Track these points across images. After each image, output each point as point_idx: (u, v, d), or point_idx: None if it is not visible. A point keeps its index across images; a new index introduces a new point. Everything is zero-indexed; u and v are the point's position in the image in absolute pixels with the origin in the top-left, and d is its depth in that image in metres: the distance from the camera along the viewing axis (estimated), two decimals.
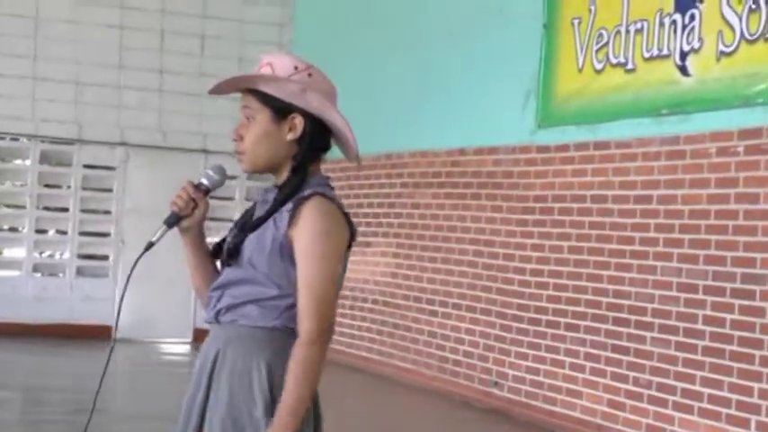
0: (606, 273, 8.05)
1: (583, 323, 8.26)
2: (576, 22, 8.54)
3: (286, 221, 2.81)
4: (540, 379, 8.70)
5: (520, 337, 8.97)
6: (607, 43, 8.21)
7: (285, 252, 2.82)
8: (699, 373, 7.16)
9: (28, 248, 12.71)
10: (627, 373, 7.80)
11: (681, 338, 7.33)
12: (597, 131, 8.30)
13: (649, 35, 7.80)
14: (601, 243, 8.14)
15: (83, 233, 12.89)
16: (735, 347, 6.90)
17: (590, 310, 8.19)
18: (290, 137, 2.88)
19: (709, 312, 7.13)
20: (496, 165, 9.46)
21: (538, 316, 8.77)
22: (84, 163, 12.82)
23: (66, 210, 12.87)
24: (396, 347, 10.66)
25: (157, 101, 12.95)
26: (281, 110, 2.88)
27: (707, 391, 7.09)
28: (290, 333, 2.82)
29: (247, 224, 2.92)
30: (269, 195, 2.94)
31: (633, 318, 7.76)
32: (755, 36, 6.91)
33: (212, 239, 3.07)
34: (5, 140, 12.74)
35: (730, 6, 7.10)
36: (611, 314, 7.98)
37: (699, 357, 7.17)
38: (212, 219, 12.56)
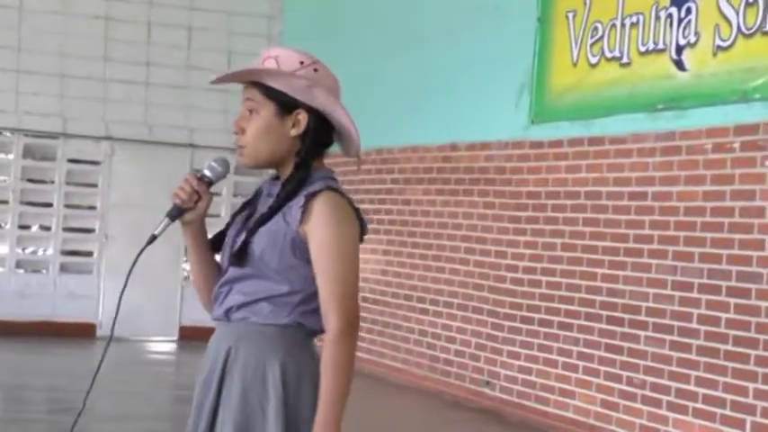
0: (600, 270, 8.07)
1: (576, 322, 8.27)
2: (570, 15, 8.55)
3: (298, 217, 2.83)
4: (533, 378, 8.72)
5: (512, 336, 8.99)
6: (602, 37, 8.22)
7: (297, 248, 2.84)
8: (693, 373, 7.18)
9: (11, 244, 12.68)
10: (620, 372, 7.82)
11: (675, 337, 7.35)
12: (591, 127, 8.31)
13: (645, 29, 7.82)
14: (594, 240, 8.15)
15: (67, 229, 12.86)
16: (730, 347, 6.92)
17: (583, 309, 8.20)
18: (293, 132, 2.91)
19: (703, 311, 7.15)
20: (489, 160, 9.47)
21: (530, 314, 8.79)
22: (68, 157, 12.79)
23: (49, 205, 12.84)
24: (386, 346, 10.67)
25: (144, 94, 12.93)
26: (285, 105, 2.89)
27: (701, 391, 7.11)
28: (301, 330, 2.87)
29: (251, 220, 2.94)
30: (272, 189, 2.96)
31: (627, 316, 7.78)
32: (753, 30, 6.93)
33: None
34: None
35: (727, 0, 7.12)
36: (604, 313, 8.00)
37: (693, 357, 7.19)
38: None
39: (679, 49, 7.51)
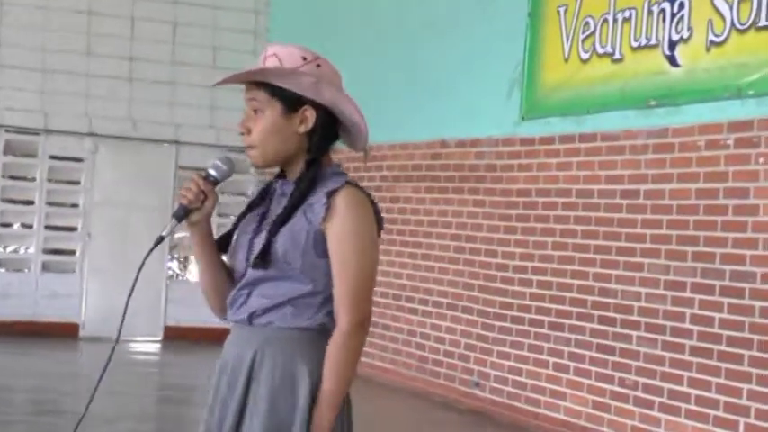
0: (592, 270, 8.08)
1: (567, 322, 8.28)
2: (561, 10, 8.56)
3: (321, 215, 2.86)
4: (523, 379, 8.72)
5: (502, 336, 9.00)
6: (594, 32, 8.23)
7: (319, 245, 2.87)
8: (686, 374, 7.20)
9: None
10: (612, 373, 7.83)
11: (668, 338, 7.37)
12: (583, 123, 8.32)
13: (637, 24, 7.83)
14: (586, 239, 8.16)
15: (49, 227, 12.82)
16: (723, 347, 6.94)
17: (575, 309, 8.21)
18: (301, 129, 2.92)
19: (696, 311, 7.16)
20: (479, 158, 9.47)
21: (521, 314, 8.80)
22: (50, 154, 12.74)
23: (31, 203, 12.80)
24: (374, 346, 10.66)
25: (128, 90, 12.90)
26: (291, 103, 2.90)
27: (694, 392, 7.13)
28: (324, 331, 2.89)
29: (266, 220, 2.95)
30: (286, 188, 2.96)
31: (619, 316, 7.79)
32: (746, 25, 6.94)
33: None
34: None
35: None
36: (596, 312, 8.01)
37: (686, 357, 7.21)
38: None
39: (672, 45, 7.52)
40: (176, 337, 12.27)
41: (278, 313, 2.89)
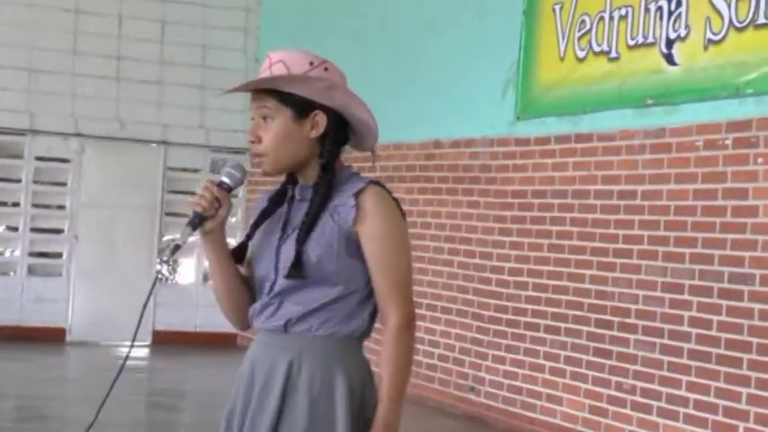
0: (588, 272, 8.09)
1: (563, 325, 8.29)
2: (557, 8, 8.57)
3: (350, 216, 2.90)
4: (519, 384, 8.73)
5: (497, 340, 9.00)
6: (590, 30, 8.25)
7: (351, 246, 2.91)
8: (684, 378, 7.21)
9: None
10: (609, 377, 7.84)
11: (666, 341, 7.38)
12: (579, 123, 8.34)
13: (634, 22, 7.84)
14: (582, 241, 8.17)
15: (34, 229, 12.80)
16: (722, 350, 6.95)
17: (571, 312, 8.22)
18: (313, 134, 2.96)
19: (695, 314, 7.17)
20: (473, 158, 9.48)
21: (516, 318, 8.81)
22: (36, 155, 12.73)
23: (17, 204, 12.78)
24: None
25: (115, 89, 12.89)
26: (302, 108, 2.93)
27: (693, 396, 7.14)
28: (358, 337, 2.97)
29: (288, 228, 2.97)
30: (305, 194, 2.99)
31: (616, 319, 7.80)
32: (745, 23, 6.96)
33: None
34: None
35: None
36: (593, 316, 8.02)
37: (684, 361, 7.22)
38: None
39: (669, 43, 7.54)
40: (164, 341, 12.26)
41: (314, 320, 2.93)
